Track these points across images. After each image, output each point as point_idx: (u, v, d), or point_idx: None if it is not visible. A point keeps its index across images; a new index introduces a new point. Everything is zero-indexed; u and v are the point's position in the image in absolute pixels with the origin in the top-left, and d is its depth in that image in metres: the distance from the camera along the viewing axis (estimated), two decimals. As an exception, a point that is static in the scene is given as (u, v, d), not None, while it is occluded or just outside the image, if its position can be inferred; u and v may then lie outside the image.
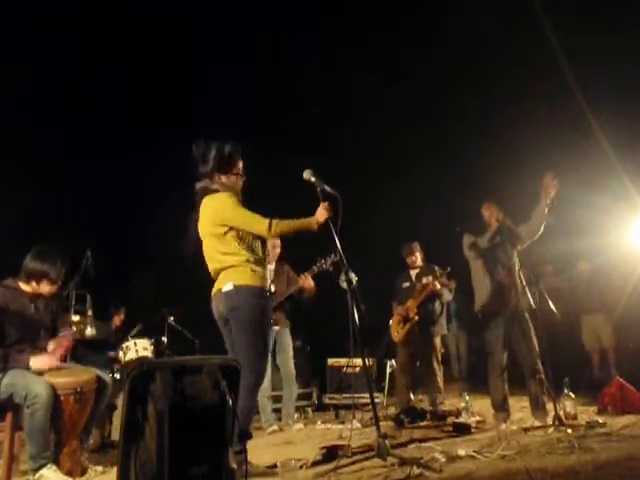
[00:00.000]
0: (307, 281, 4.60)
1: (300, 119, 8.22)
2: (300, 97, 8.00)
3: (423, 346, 4.94)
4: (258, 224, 2.91)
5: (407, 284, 5.19)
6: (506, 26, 7.05)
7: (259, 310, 2.89)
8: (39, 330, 3.24)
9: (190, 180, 3.20)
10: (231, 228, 2.94)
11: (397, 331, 5.09)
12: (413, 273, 5.21)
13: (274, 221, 2.89)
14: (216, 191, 3.06)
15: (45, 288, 3.22)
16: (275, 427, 4.40)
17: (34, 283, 3.19)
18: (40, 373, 3.02)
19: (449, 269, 5.02)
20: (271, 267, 4.82)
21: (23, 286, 3.19)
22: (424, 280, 5.03)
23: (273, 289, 4.71)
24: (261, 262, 3.00)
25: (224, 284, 2.91)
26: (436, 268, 5.11)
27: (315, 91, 7.84)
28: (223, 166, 3.09)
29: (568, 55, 6.47)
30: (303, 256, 4.89)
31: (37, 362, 3.03)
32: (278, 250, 4.86)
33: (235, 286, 2.87)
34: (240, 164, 3.16)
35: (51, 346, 3.21)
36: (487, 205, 4.17)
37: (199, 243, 3.12)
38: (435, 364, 4.86)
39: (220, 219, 2.96)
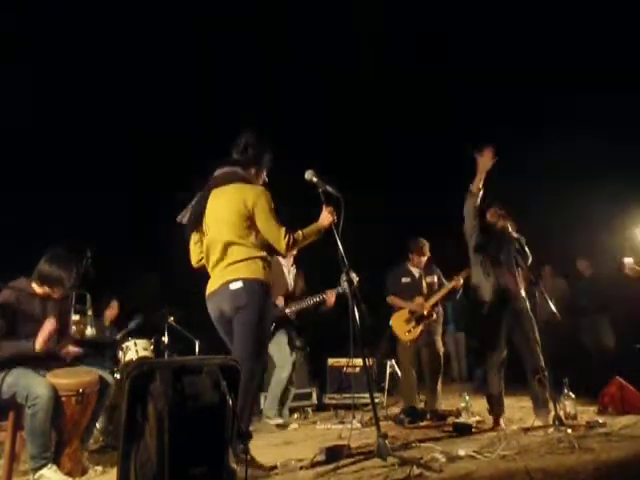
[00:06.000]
0: (332, 299, 4.70)
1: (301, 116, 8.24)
2: (303, 92, 8.02)
3: (428, 346, 4.81)
4: (279, 240, 2.83)
5: (408, 280, 4.97)
6: (505, 26, 7.06)
7: (266, 308, 2.81)
8: None
9: (194, 177, 3.18)
10: (252, 222, 2.86)
11: (409, 329, 4.79)
12: (415, 270, 5.01)
13: (292, 240, 2.84)
14: (245, 179, 2.96)
15: (57, 293, 3.24)
16: (280, 420, 4.38)
17: (47, 287, 3.20)
18: (45, 366, 3.03)
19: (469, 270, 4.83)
20: (293, 270, 4.84)
21: (36, 287, 3.21)
22: (453, 280, 4.78)
23: (295, 293, 4.81)
24: (269, 260, 2.93)
25: (231, 281, 2.77)
26: (437, 270, 5.08)
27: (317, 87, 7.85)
28: (260, 165, 3.07)
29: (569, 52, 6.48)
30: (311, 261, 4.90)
31: (39, 341, 2.99)
32: (295, 251, 4.78)
33: (244, 283, 2.76)
34: (265, 174, 3.13)
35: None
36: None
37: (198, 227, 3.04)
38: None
39: (251, 210, 2.83)
